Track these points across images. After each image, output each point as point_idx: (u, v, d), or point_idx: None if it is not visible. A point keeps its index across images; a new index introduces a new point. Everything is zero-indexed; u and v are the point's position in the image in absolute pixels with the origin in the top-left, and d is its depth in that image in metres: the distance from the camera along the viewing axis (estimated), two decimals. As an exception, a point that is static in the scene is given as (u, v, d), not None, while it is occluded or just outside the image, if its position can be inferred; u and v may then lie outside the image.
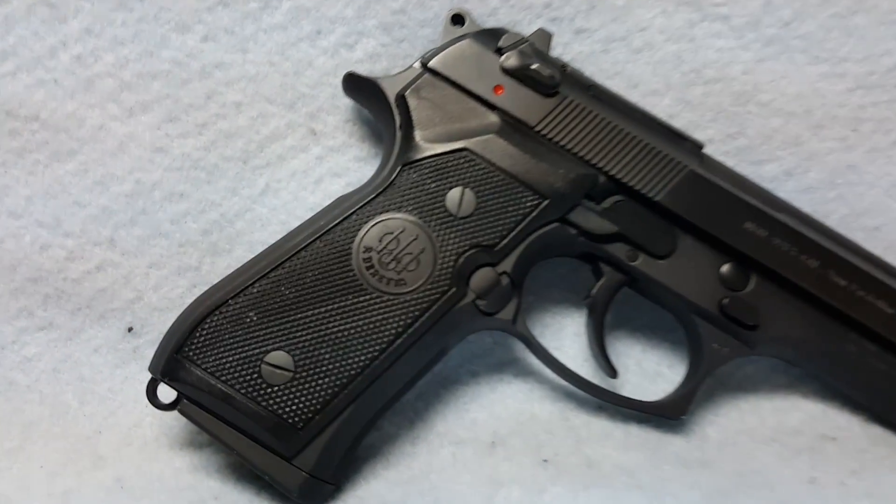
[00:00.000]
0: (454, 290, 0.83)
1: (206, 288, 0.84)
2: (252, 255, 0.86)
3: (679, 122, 1.03)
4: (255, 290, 0.81)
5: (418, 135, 0.90)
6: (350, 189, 0.90)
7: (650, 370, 0.97)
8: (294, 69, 0.95)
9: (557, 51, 1.03)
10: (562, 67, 0.95)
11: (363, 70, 1.00)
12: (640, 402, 0.90)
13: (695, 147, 0.92)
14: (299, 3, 1.00)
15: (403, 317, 0.82)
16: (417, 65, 0.94)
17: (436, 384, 0.95)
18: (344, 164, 0.97)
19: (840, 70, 0.97)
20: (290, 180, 0.97)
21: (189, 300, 0.84)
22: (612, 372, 0.91)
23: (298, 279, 0.82)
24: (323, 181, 0.97)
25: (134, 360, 0.95)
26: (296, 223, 0.90)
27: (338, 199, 0.91)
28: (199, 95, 0.94)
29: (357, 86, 0.92)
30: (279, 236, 0.88)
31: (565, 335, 0.97)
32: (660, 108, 1.02)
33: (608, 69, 1.00)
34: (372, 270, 0.82)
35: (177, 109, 0.94)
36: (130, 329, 0.95)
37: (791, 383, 0.97)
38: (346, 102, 0.99)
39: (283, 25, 0.95)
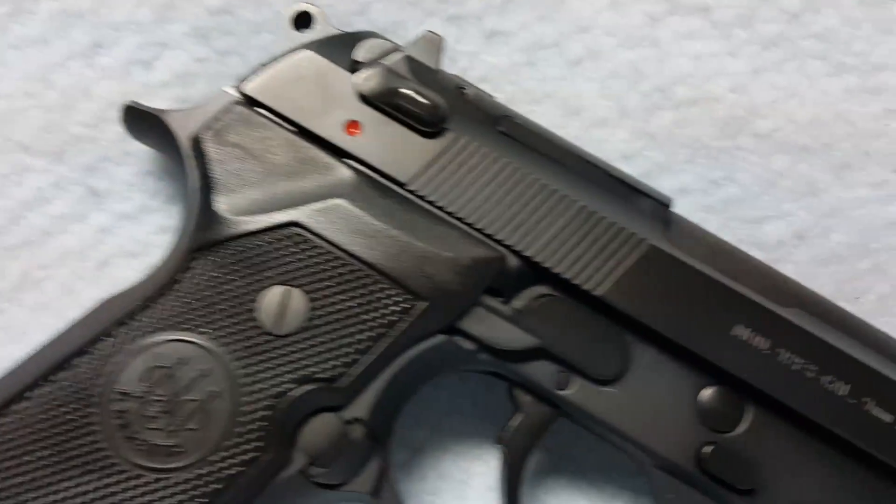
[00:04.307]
0: (269, 455, 0.58)
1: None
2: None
3: (639, 165, 0.75)
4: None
5: (221, 202, 0.61)
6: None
7: (603, 539, 0.73)
8: (62, 101, 0.71)
9: (460, 65, 0.75)
10: (457, 90, 0.65)
11: (166, 99, 0.72)
12: None
13: (658, 207, 0.66)
14: (67, 6, 0.72)
15: (181, 510, 0.56)
16: (231, 90, 0.62)
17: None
18: (142, 239, 0.72)
19: (872, 83, 0.74)
20: (60, 266, 0.71)
21: None
22: (536, 559, 0.61)
23: (7, 451, 0.55)
24: (110, 265, 0.72)
25: None
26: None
27: (102, 303, 0.60)
28: None
29: (141, 124, 0.66)
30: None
31: (473, 489, 0.72)
32: (611, 145, 0.75)
33: (534, 90, 0.76)
34: (128, 432, 0.56)
35: None
36: None
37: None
38: (142, 147, 0.71)
39: (44, 38, 0.72)
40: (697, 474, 0.62)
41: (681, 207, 0.70)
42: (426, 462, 0.72)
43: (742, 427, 0.62)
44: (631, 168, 0.72)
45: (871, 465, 0.62)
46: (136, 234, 0.71)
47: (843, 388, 0.62)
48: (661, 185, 0.71)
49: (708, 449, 0.62)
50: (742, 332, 0.62)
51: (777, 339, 0.62)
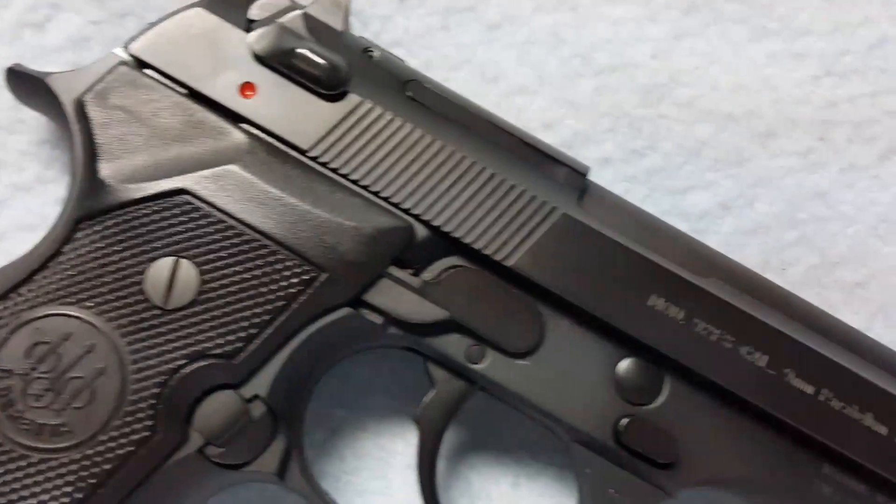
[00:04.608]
0: (161, 435, 0.55)
1: None
2: None
3: (560, 134, 0.73)
4: None
5: (105, 168, 0.57)
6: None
7: (524, 519, 0.70)
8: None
9: (372, 28, 0.72)
10: (362, 53, 0.62)
11: (60, 64, 0.68)
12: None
13: (573, 176, 0.63)
14: (-53, -41, 0.67)
15: (68, 493, 0.52)
16: (120, 51, 0.59)
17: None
18: (38, 211, 0.68)
19: (796, 48, 0.72)
20: (-51, 240, 0.68)
21: None
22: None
23: None
24: (5, 239, 0.68)
25: None
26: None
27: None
28: None
29: (26, 88, 0.62)
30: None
31: (392, 468, 0.69)
32: (530, 113, 0.73)
33: (452, 56, 0.73)
34: (11, 411, 0.53)
35: None
36: None
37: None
38: (36, 114, 0.67)
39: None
40: (615, 448, 0.60)
41: (603, 178, 0.68)
42: (344, 442, 0.69)
43: (660, 399, 0.60)
44: (551, 137, 0.69)
45: (793, 436, 0.60)
46: (31, 206, 0.67)
47: (761, 359, 0.60)
48: (583, 155, 0.69)
49: (625, 422, 0.60)
50: (657, 302, 0.60)
51: (693, 308, 0.60)
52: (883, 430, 0.60)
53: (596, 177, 0.65)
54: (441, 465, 0.69)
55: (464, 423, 0.69)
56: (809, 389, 0.60)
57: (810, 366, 0.60)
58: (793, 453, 0.61)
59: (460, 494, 0.68)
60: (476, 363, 0.60)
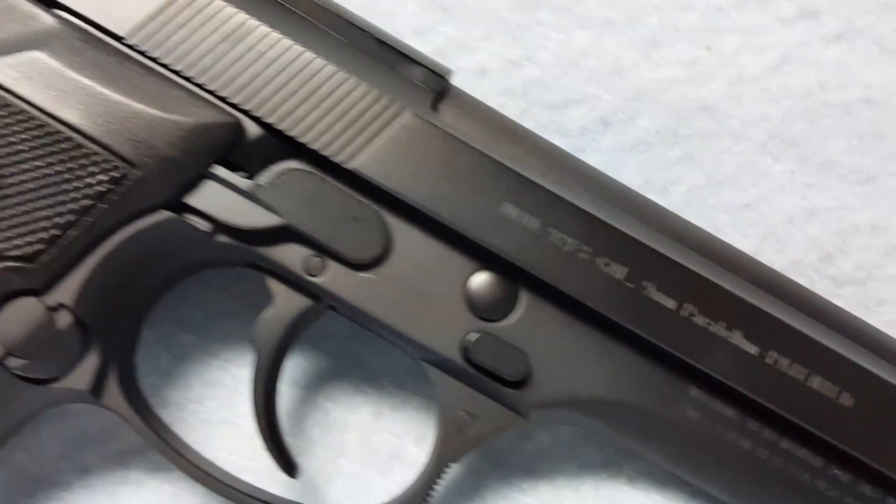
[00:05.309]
0: None
1: None
2: None
3: (432, 42, 0.68)
4: None
5: None
6: None
7: (384, 450, 0.65)
8: None
9: None
10: None
11: None
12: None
13: (431, 78, 0.58)
14: None
15: None
16: None
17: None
18: None
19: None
20: None
21: None
22: (289, 467, 0.59)
23: None
24: None
25: None
26: None
27: None
28: None
29: None
30: None
31: (242, 396, 0.65)
32: (401, 18, 0.68)
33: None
34: None
35: None
36: None
37: (610, 461, 0.66)
38: None
39: None
40: (463, 365, 0.56)
41: (479, 92, 0.63)
42: (191, 368, 0.64)
43: (514, 315, 0.56)
44: (424, 45, 0.64)
45: (656, 355, 0.56)
46: None
47: (620, 271, 0.55)
48: (457, 65, 0.63)
49: (473, 337, 0.55)
50: (510, 210, 0.55)
51: (548, 217, 0.55)
52: (752, 349, 0.56)
53: (471, 90, 0.60)
54: (296, 395, 0.64)
55: (322, 350, 0.64)
56: (671, 304, 0.55)
57: (673, 279, 0.55)
58: (656, 374, 0.57)
59: (315, 424, 0.64)
60: (316, 276, 0.55)
